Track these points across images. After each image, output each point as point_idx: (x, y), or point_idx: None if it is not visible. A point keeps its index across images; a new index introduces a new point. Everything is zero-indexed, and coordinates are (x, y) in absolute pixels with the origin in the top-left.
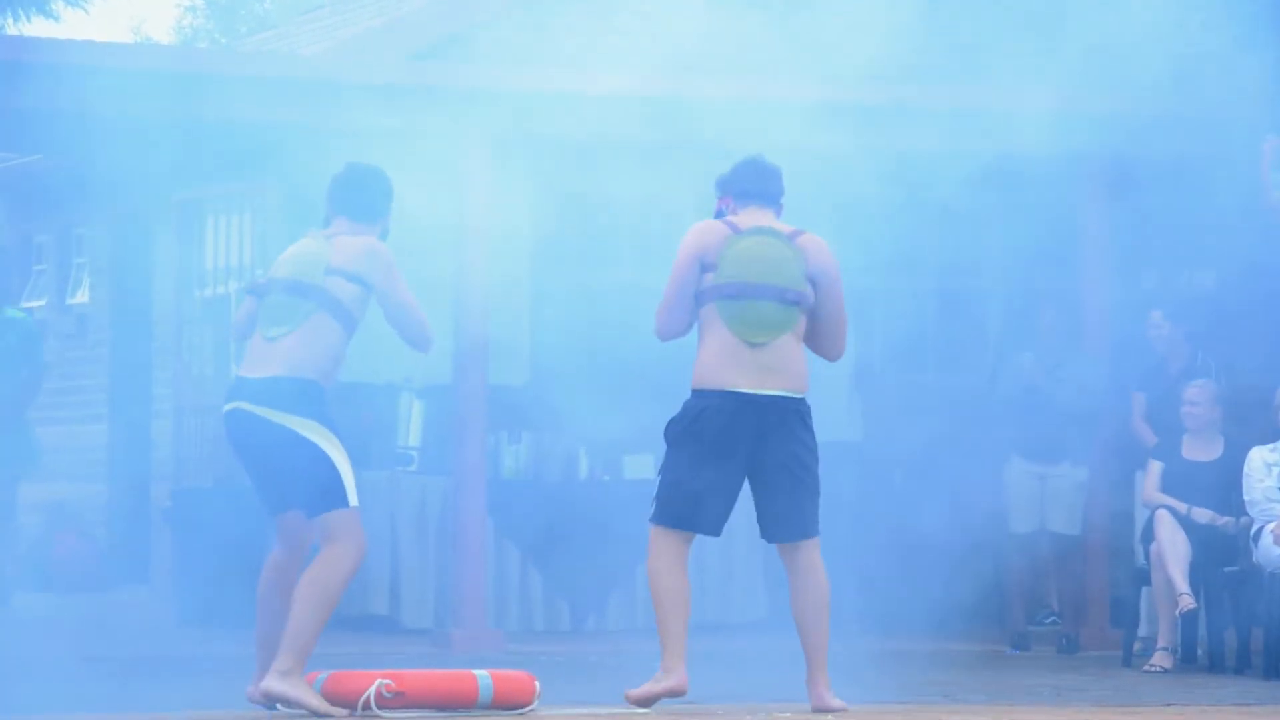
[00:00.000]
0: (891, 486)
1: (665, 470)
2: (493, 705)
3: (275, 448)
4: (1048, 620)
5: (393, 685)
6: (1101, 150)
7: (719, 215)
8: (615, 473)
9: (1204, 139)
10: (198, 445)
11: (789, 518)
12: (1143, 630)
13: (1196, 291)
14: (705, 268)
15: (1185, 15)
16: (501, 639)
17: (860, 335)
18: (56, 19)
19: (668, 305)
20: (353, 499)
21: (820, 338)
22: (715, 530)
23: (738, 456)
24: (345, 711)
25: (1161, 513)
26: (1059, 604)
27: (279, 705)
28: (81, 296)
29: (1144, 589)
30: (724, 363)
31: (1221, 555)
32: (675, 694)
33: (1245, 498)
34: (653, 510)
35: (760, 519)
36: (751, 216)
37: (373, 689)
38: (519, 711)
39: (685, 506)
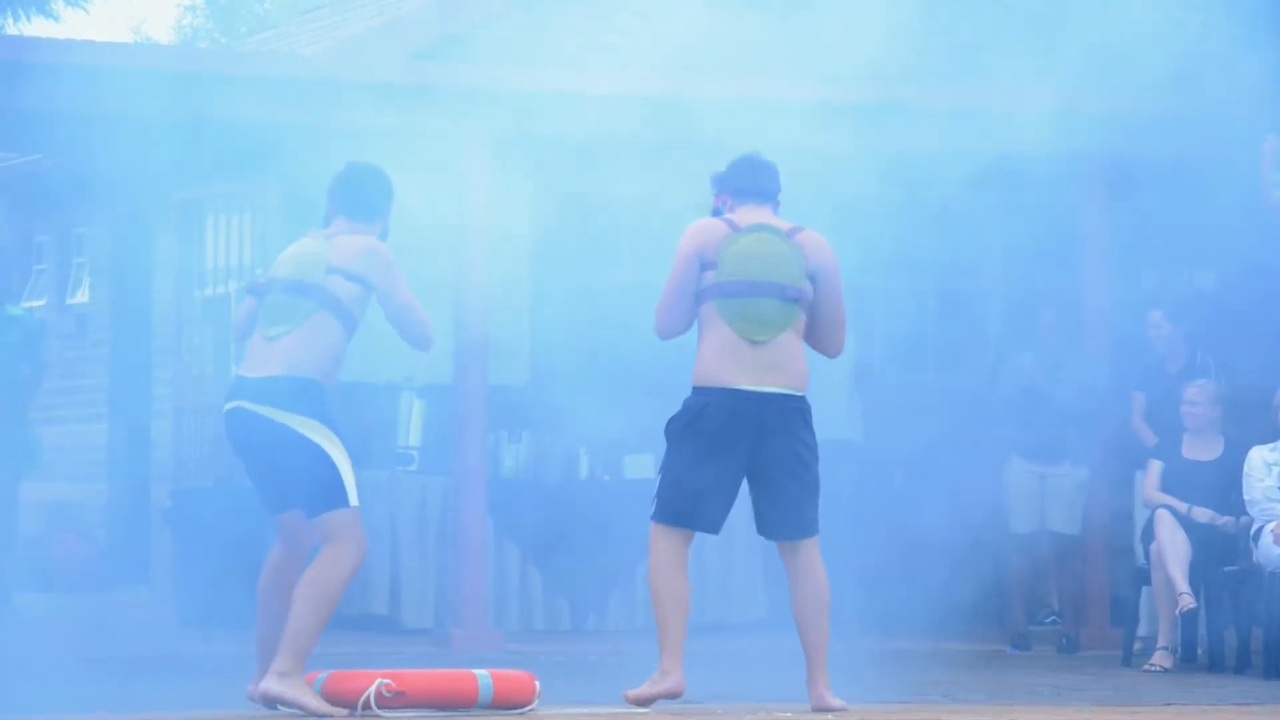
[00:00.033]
0: (892, 486)
1: (665, 468)
2: (493, 705)
3: (276, 446)
4: (1048, 620)
5: (393, 685)
6: (1101, 150)
7: (716, 213)
8: (615, 472)
9: (1204, 139)
10: (198, 445)
11: (789, 516)
12: (1143, 630)
13: (1196, 291)
14: (705, 266)
15: (1185, 15)
16: (501, 639)
17: (860, 335)
18: (56, 19)
19: (667, 303)
20: (353, 499)
21: (819, 334)
22: (715, 528)
23: (738, 454)
24: (345, 711)
25: (1162, 512)
26: (1059, 603)
27: (279, 706)
28: (81, 296)
29: (1144, 588)
30: (725, 360)
31: (1221, 555)
32: (671, 696)
33: (1245, 497)
34: (653, 508)
35: (760, 517)
36: (750, 214)
37: (373, 689)
38: (519, 711)
39: (686, 504)
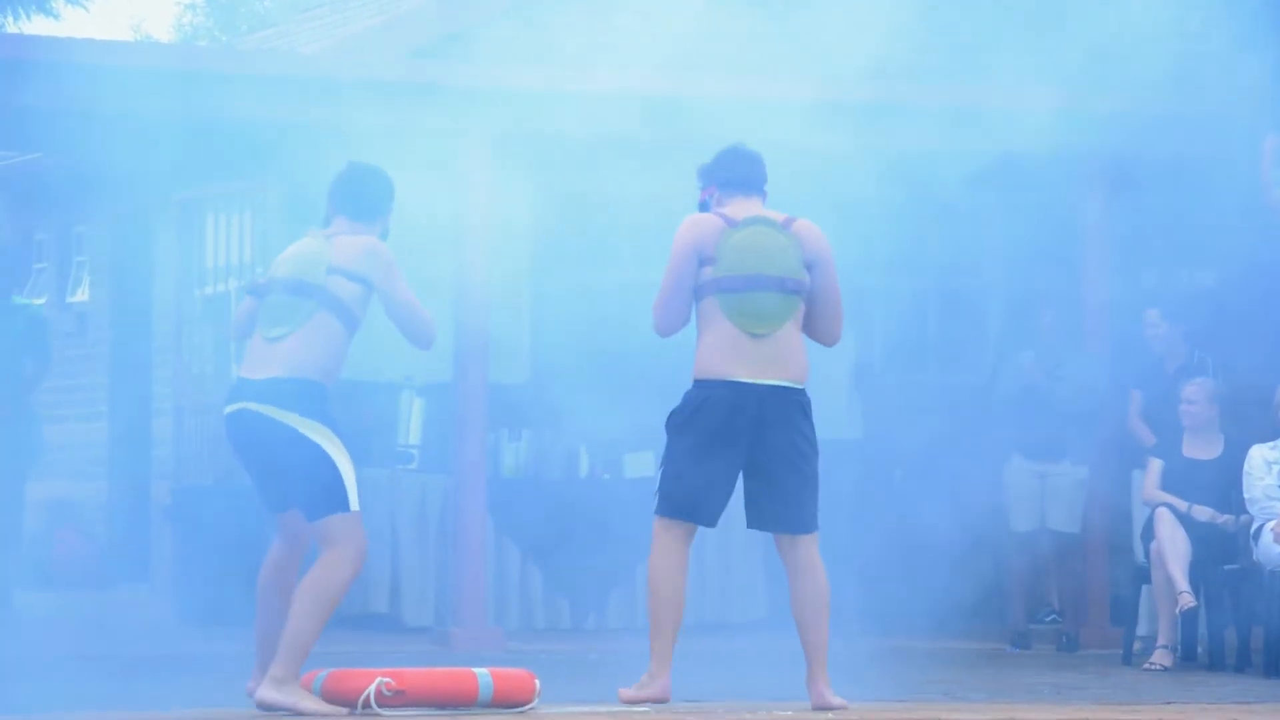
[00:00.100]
0: (892, 485)
1: (667, 462)
2: (493, 703)
3: (278, 447)
4: (1048, 618)
5: (393, 684)
6: (1101, 149)
7: (703, 205)
8: (615, 471)
9: (1204, 138)
10: (198, 443)
11: (787, 509)
12: (1143, 629)
13: (1196, 290)
14: (703, 261)
15: (1185, 14)
16: (502, 637)
17: (860, 334)
18: (57, 17)
19: (665, 300)
20: (354, 503)
21: (817, 323)
22: (713, 521)
23: (738, 447)
24: (345, 710)
25: (1162, 511)
26: (1059, 602)
27: (276, 710)
28: (82, 295)
29: (1144, 587)
30: (725, 354)
31: (1221, 553)
32: (657, 702)
33: (1245, 495)
34: (656, 503)
35: (757, 510)
36: (741, 206)
37: (373, 687)
38: (519, 710)
39: (688, 498)
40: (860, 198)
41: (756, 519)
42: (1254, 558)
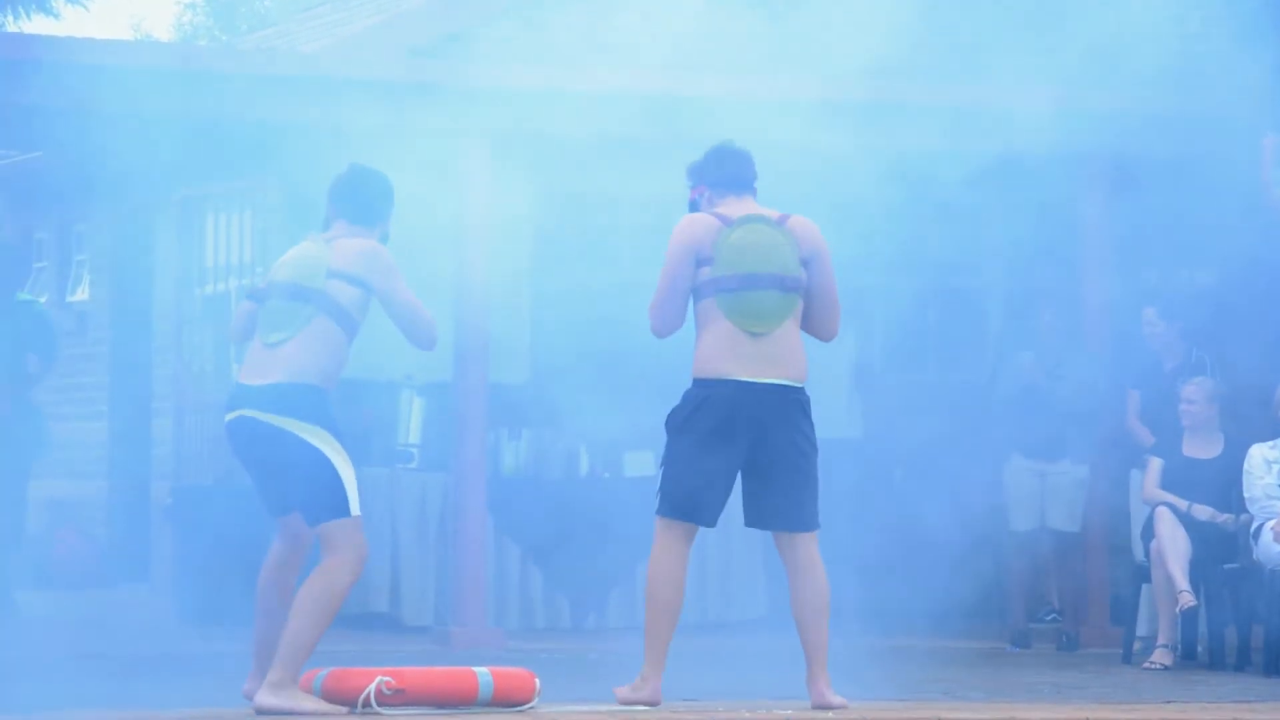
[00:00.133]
0: (892, 484)
1: (667, 462)
2: (493, 703)
3: (280, 451)
4: (1048, 617)
5: (393, 683)
6: (1101, 148)
7: (693, 205)
8: (615, 470)
9: (1204, 137)
10: (198, 443)
11: (787, 507)
12: (1143, 628)
13: (1196, 289)
14: (700, 262)
15: (1185, 13)
16: (502, 636)
17: (860, 334)
18: (57, 16)
19: (662, 301)
20: (355, 508)
21: (815, 319)
22: (713, 521)
23: (738, 446)
24: (345, 709)
25: (1162, 510)
26: (1059, 601)
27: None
28: (82, 293)
29: (1144, 586)
30: (724, 353)
31: (1222, 552)
32: (648, 705)
33: (1245, 495)
34: (658, 503)
35: (756, 508)
36: (735, 205)
37: (373, 686)
38: (519, 709)
39: (689, 497)
40: (860, 197)
41: (756, 518)
42: (1254, 557)
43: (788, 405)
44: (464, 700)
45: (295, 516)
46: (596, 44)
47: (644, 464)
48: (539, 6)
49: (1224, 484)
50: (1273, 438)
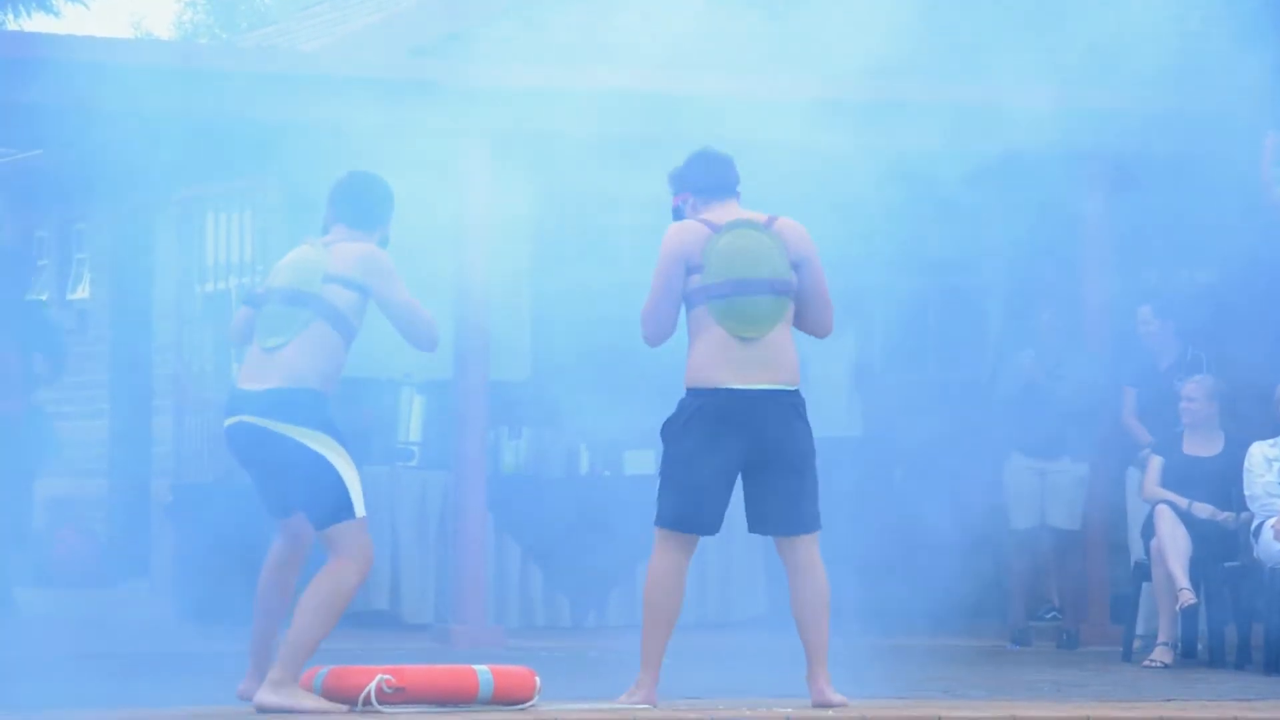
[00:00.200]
0: (892, 483)
1: (665, 472)
2: (493, 701)
3: (280, 456)
4: (1048, 615)
5: (393, 681)
6: (1101, 147)
7: (677, 211)
8: (616, 468)
9: (1204, 135)
10: (198, 441)
11: (787, 511)
12: (1143, 626)
13: (1196, 288)
14: (690, 269)
15: (1185, 12)
16: (502, 634)
17: (860, 333)
18: (57, 15)
19: (654, 309)
20: (359, 509)
21: (809, 317)
22: (714, 529)
23: (734, 453)
24: (345, 707)
25: (1162, 508)
26: (1059, 599)
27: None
28: (82, 292)
29: (1144, 584)
30: (716, 360)
31: (1222, 550)
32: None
33: (1246, 493)
34: (657, 513)
35: (756, 513)
36: (720, 211)
37: (373, 684)
38: (520, 707)
39: (687, 508)
40: (860, 197)
41: (758, 523)
42: (1254, 555)
43: (782, 409)
44: (464, 698)
45: (296, 517)
46: (596, 44)
47: (644, 462)
48: (539, 6)
49: (1224, 482)
50: (1273, 436)
